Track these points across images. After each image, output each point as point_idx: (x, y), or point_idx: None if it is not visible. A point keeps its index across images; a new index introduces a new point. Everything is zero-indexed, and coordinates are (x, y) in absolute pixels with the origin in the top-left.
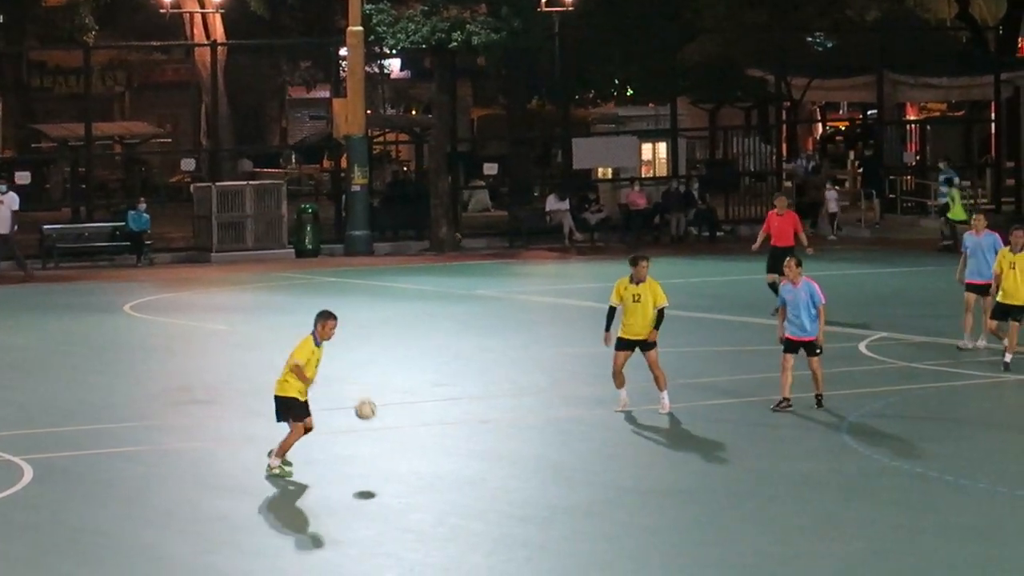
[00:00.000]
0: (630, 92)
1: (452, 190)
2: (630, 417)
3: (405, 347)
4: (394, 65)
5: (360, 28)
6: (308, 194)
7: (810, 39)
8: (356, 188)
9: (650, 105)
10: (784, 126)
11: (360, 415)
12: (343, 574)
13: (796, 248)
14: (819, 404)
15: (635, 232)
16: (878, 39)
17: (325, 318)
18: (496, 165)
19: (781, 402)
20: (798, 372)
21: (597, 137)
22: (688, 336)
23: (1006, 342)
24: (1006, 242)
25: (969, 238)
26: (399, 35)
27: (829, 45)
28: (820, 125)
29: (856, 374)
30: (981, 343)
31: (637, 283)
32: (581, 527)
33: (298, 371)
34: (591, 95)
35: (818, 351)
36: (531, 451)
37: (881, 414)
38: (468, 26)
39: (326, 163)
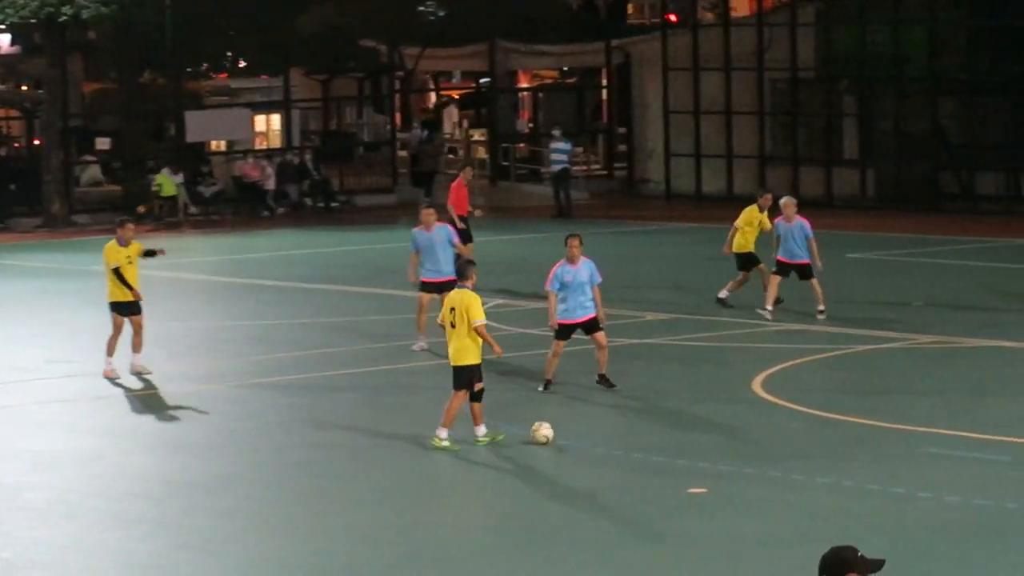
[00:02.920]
0: (243, 64)
1: (65, 165)
2: (252, 391)
3: (19, 324)
4: (3, 40)
5: None
6: None
7: (422, 8)
8: None
9: (263, 77)
10: (398, 96)
11: (540, 437)
12: None
13: (470, 218)
14: (607, 383)
15: (250, 204)
16: (490, 7)
17: (472, 264)
18: (108, 139)
19: (548, 384)
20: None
21: (210, 110)
22: (308, 308)
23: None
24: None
25: (420, 235)
26: (8, 10)
27: (441, 14)
28: (433, 94)
29: None
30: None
31: (126, 245)
32: (200, 502)
33: (483, 330)
34: (204, 68)
35: (602, 326)
36: (149, 426)
37: (498, 382)
38: (78, 0)
39: None
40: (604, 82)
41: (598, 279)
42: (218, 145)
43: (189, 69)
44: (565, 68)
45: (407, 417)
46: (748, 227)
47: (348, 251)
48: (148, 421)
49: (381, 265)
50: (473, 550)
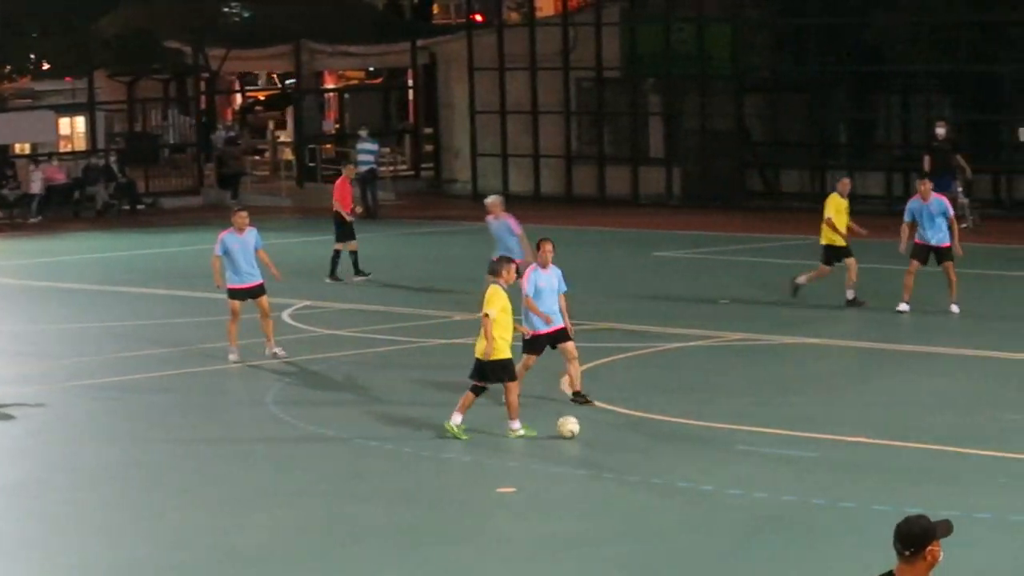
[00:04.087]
0: (47, 66)
1: None
2: (61, 395)
3: None
4: None
5: None
6: None
7: (227, 9)
8: None
9: (67, 79)
10: (203, 97)
11: (566, 430)
12: None
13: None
14: (583, 400)
15: (54, 207)
16: (296, 8)
17: (509, 262)
18: None
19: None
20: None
21: (13, 113)
22: (115, 311)
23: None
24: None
25: (231, 238)
26: None
27: (246, 15)
28: (239, 96)
29: (279, 343)
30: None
31: None
32: (11, 505)
33: (486, 322)
34: (7, 70)
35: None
36: None
37: (307, 383)
38: None
39: None
40: (410, 82)
41: (564, 287)
42: (22, 148)
43: None
44: (371, 68)
45: (217, 419)
46: (837, 215)
47: (155, 253)
48: None
49: (188, 267)
50: (281, 551)
